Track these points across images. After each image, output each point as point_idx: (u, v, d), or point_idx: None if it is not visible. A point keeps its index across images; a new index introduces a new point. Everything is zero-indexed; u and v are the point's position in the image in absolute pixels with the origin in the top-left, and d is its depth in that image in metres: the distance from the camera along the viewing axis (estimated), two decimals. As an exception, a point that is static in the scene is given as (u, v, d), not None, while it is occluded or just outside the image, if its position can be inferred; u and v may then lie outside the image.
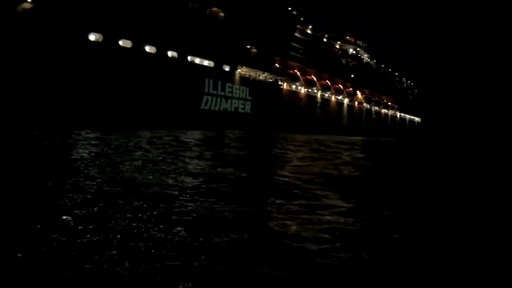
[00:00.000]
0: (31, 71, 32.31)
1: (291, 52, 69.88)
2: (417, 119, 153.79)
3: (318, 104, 79.49)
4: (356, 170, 19.89)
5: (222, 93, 51.43)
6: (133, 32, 39.66)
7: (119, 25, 38.39)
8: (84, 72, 35.40)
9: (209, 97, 49.52)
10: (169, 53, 44.27)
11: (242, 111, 55.18)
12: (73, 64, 34.73)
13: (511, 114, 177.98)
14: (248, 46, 56.90)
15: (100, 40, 37.37)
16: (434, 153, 50.01)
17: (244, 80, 55.75)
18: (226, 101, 52.21)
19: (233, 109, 53.41)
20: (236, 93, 53.99)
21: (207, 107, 49.17)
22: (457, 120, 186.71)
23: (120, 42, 39.19)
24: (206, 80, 48.87)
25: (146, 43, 41.46)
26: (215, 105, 50.41)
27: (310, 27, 76.94)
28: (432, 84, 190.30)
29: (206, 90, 48.99)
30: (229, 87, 52.68)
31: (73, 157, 15.69)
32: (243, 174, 14.80)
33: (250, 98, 56.40)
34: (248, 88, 56.00)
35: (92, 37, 37.00)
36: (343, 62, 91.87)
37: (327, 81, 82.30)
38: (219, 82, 50.81)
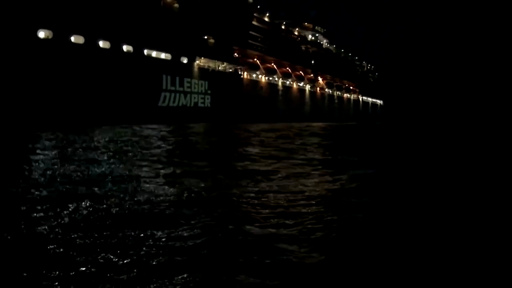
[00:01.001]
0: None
1: (249, 41, 69.46)
2: (379, 101, 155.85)
3: (280, 92, 79.49)
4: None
5: (181, 89, 50.74)
6: (85, 27, 38.58)
7: (70, 20, 37.28)
8: (34, 71, 34.27)
9: (167, 94, 48.78)
10: (124, 47, 43.32)
11: (202, 105, 54.56)
12: (22, 63, 33.58)
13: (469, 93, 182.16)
14: (206, 37, 56.18)
15: (50, 37, 36.22)
16: (393, 135, 50.61)
17: (203, 71, 55.14)
18: (185, 97, 51.50)
19: (192, 104, 52.74)
20: (195, 87, 53.32)
21: (165, 104, 48.44)
22: (418, 101, 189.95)
23: (72, 38, 38.09)
24: (164, 76, 48.05)
25: (100, 38, 40.45)
26: (174, 102, 49.67)
27: (268, 14, 76.65)
28: (392, 66, 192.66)
29: (164, 87, 48.22)
30: (188, 82, 51.96)
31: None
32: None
33: (209, 91, 55.81)
34: (207, 82, 55.36)
35: (41, 34, 35.82)
36: (303, 48, 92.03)
37: (287, 68, 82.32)
38: (177, 78, 50.06)
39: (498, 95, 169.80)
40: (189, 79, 52.13)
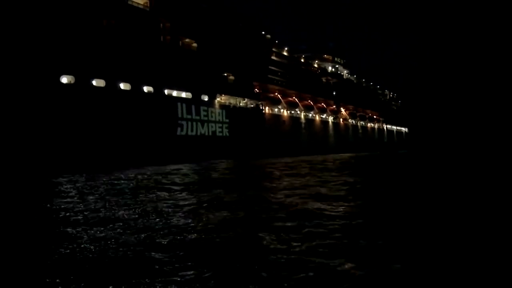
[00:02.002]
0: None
1: (269, 76, 69.79)
2: (404, 129, 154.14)
3: (303, 125, 79.19)
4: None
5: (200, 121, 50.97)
6: (106, 71, 39.22)
7: (91, 65, 37.96)
8: (58, 116, 34.78)
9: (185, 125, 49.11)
10: (145, 89, 43.80)
11: (223, 136, 54.46)
12: (46, 107, 34.13)
13: (497, 117, 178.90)
14: (225, 74, 56.64)
15: (72, 82, 36.85)
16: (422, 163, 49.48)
17: (224, 108, 55.32)
18: (206, 129, 51.68)
19: (214, 140, 52.78)
20: (217, 122, 53.51)
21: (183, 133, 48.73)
22: (444, 126, 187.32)
23: (94, 82, 38.71)
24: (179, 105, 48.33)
25: (120, 80, 41.01)
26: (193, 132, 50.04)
27: (286, 48, 77.17)
28: (415, 93, 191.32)
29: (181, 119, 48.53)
30: (210, 111, 52.31)
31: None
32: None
33: (231, 127, 55.82)
34: (228, 119, 55.45)
35: (64, 79, 36.49)
36: (323, 80, 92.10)
37: (309, 101, 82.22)
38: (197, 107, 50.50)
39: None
40: (210, 109, 52.34)
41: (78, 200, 15.51)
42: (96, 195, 16.85)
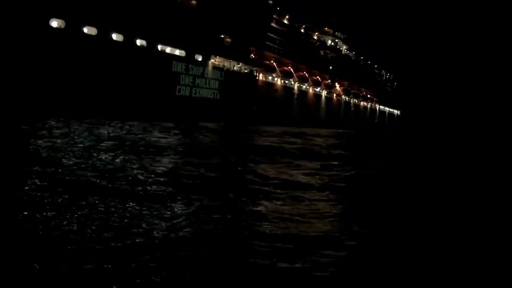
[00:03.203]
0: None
1: (267, 43, 68.47)
2: (396, 111, 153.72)
3: (295, 96, 78.31)
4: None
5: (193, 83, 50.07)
6: (98, 19, 37.91)
7: (83, 11, 36.64)
8: (47, 61, 33.70)
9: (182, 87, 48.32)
10: (138, 42, 42.59)
11: (213, 98, 53.62)
12: (34, 52, 33.00)
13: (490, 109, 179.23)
14: (222, 36, 55.29)
15: (62, 26, 35.61)
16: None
17: (217, 70, 54.28)
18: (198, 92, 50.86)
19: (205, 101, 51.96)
20: (209, 84, 52.58)
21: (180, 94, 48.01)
22: (436, 112, 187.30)
23: (85, 29, 37.48)
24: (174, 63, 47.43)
25: (113, 30, 39.75)
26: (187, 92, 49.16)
27: (287, 17, 75.60)
28: (411, 77, 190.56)
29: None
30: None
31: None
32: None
33: (223, 90, 54.85)
34: (218, 82, 54.47)
35: (54, 23, 35.23)
36: (321, 53, 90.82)
37: (304, 72, 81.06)
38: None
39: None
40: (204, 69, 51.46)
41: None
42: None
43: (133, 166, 13.22)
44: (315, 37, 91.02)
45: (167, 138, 24.80)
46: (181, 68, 48.10)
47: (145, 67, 42.62)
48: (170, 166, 14.15)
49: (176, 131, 30.97)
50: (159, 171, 12.72)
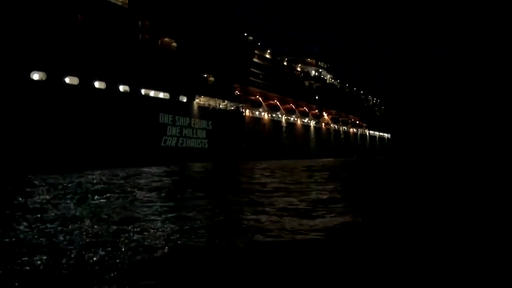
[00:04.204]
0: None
1: (251, 78, 69.07)
2: (386, 135, 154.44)
3: (284, 129, 78.53)
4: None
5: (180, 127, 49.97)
6: (79, 68, 38.05)
7: (64, 62, 36.78)
8: (29, 113, 33.56)
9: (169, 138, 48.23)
10: (121, 88, 42.69)
11: (201, 144, 53.39)
12: (15, 105, 32.89)
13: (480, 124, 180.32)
14: (205, 75, 55.66)
15: (43, 78, 35.66)
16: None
17: (203, 110, 54.36)
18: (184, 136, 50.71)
19: (192, 143, 51.77)
20: (194, 125, 52.50)
21: (166, 144, 47.78)
22: (426, 133, 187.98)
23: (66, 80, 37.56)
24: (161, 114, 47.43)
25: (95, 78, 39.88)
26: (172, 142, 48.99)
27: (269, 51, 76.56)
28: (399, 99, 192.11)
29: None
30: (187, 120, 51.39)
31: None
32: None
33: (210, 129, 54.82)
34: (207, 121, 54.47)
35: (35, 76, 35.28)
36: (306, 84, 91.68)
37: (291, 104, 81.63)
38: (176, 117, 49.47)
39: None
40: (188, 118, 51.30)
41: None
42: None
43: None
44: (299, 69, 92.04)
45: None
46: (168, 120, 48.12)
47: (130, 116, 42.62)
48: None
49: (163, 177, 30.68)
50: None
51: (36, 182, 21.81)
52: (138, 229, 10.31)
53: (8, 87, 32.63)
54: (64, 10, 37.13)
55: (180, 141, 49.75)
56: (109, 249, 8.39)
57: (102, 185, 21.19)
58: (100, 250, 8.23)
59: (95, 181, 23.48)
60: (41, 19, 35.01)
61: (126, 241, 9.16)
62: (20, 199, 15.45)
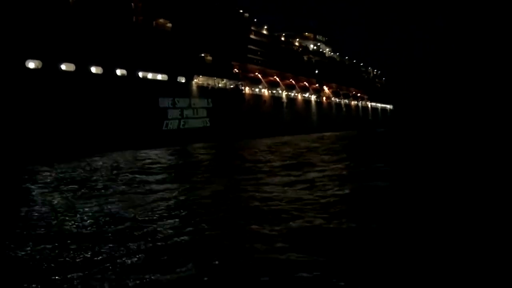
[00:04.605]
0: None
1: (249, 55, 68.49)
2: (389, 106, 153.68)
3: (284, 105, 78.16)
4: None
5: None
6: (75, 54, 37.73)
7: (58, 48, 36.47)
8: (26, 102, 33.39)
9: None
10: (118, 72, 42.40)
11: (202, 124, 53.21)
12: (12, 94, 32.73)
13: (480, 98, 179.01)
14: (203, 54, 55.26)
15: (39, 66, 35.41)
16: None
17: (202, 89, 54.08)
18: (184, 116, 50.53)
19: (192, 123, 51.63)
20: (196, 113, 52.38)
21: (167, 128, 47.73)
22: (428, 102, 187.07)
23: (62, 67, 37.31)
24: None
25: (91, 64, 39.59)
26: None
27: (266, 27, 75.77)
28: (399, 70, 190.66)
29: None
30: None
31: None
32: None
33: (210, 106, 54.60)
34: (206, 99, 54.24)
35: (31, 64, 35.04)
36: (305, 58, 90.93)
37: (291, 80, 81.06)
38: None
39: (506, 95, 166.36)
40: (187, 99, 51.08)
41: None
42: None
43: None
44: (297, 44, 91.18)
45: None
46: (168, 103, 47.90)
47: (129, 100, 42.43)
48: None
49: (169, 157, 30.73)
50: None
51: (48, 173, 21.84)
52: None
53: (4, 77, 32.44)
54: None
55: (182, 123, 49.61)
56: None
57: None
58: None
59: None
60: (33, 5, 34.62)
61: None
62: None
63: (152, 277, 6.44)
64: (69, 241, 8.39)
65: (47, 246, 8.05)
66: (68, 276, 6.54)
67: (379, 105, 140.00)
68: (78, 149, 33.82)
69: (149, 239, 8.43)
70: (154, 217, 10.33)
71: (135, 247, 7.89)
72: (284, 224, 9.33)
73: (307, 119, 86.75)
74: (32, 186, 16.45)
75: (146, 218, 10.25)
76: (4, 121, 32.03)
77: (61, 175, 19.85)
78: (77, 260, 7.29)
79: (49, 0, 36.06)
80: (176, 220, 10.11)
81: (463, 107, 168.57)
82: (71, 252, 7.71)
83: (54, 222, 10.23)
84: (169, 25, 49.73)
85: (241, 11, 66.68)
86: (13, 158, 28.99)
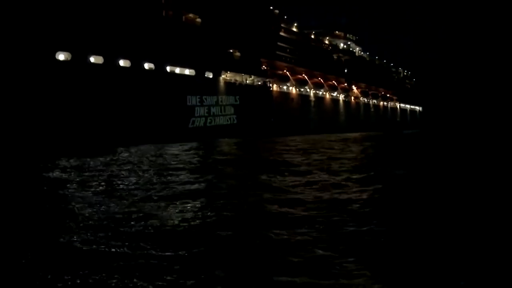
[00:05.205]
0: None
1: (278, 52, 67.92)
2: (418, 108, 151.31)
3: (312, 103, 77.35)
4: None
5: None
6: (103, 47, 37.78)
7: (88, 41, 36.54)
8: (55, 94, 33.54)
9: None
10: (146, 65, 42.33)
11: (229, 120, 52.87)
12: (42, 85, 32.88)
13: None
14: (231, 50, 54.89)
15: (69, 58, 35.55)
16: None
17: (229, 86, 53.74)
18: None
19: (220, 120, 51.33)
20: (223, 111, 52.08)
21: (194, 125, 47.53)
22: (460, 106, 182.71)
23: (91, 59, 37.39)
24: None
25: (119, 57, 39.59)
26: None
27: (296, 24, 75.03)
28: (430, 71, 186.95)
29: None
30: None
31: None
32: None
33: (238, 103, 54.21)
34: (234, 96, 53.85)
35: (60, 56, 35.20)
36: (335, 57, 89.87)
37: (319, 78, 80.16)
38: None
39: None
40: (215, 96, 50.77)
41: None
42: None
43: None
44: (327, 42, 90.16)
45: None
46: (195, 101, 47.67)
47: (156, 93, 42.33)
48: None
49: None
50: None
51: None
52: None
53: (34, 68, 32.61)
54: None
55: (209, 121, 49.34)
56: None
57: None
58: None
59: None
60: (64, -1, 34.75)
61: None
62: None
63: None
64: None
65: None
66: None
67: (408, 106, 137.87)
68: (102, 141, 33.78)
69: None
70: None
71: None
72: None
73: (334, 118, 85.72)
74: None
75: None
76: (33, 112, 32.21)
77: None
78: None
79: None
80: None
81: (495, 109, 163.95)
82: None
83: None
84: (199, 20, 49.48)
85: (271, 7, 66.12)
86: (39, 148, 29.03)
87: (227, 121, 52.38)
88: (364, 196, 12.92)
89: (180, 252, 7.22)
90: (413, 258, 7.29)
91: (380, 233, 8.76)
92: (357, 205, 11.49)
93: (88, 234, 8.37)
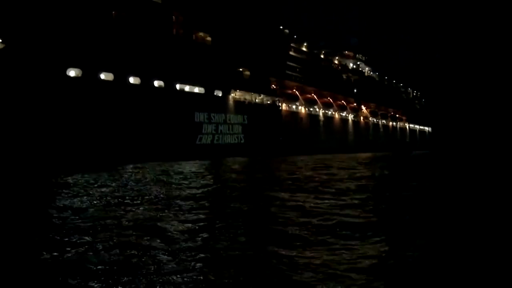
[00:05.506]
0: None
1: (287, 72, 68.07)
2: (427, 128, 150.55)
3: (321, 123, 77.20)
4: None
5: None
6: (114, 64, 38.02)
7: (99, 58, 36.81)
8: (64, 110, 33.67)
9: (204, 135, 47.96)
10: (155, 83, 42.51)
11: (237, 139, 52.86)
12: (52, 101, 33.03)
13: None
14: (241, 69, 55.11)
15: (79, 75, 35.76)
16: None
17: (238, 104, 53.78)
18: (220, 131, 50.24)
19: (228, 139, 51.32)
20: (231, 129, 52.14)
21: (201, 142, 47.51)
22: (470, 126, 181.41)
23: (102, 76, 37.61)
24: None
25: (129, 74, 39.79)
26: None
27: (305, 44, 75.28)
28: (439, 92, 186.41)
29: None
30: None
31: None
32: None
33: (246, 122, 54.19)
34: (243, 115, 53.88)
35: (71, 73, 35.42)
36: (344, 77, 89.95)
37: (328, 98, 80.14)
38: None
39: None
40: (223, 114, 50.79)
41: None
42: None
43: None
44: (336, 62, 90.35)
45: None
46: (203, 118, 47.73)
47: (165, 111, 42.44)
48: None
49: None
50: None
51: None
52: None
53: (45, 84, 32.80)
54: (98, 7, 37.23)
55: (216, 138, 49.31)
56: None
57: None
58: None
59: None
60: (76, 16, 35.12)
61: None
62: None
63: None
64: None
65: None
66: None
67: (417, 126, 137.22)
68: (108, 158, 33.74)
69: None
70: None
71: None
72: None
73: (343, 138, 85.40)
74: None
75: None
76: (42, 126, 32.32)
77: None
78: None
79: (92, 12, 36.48)
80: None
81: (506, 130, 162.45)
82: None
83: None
84: (209, 38, 49.81)
85: (281, 27, 66.46)
86: (46, 164, 28.99)
87: (235, 140, 52.32)
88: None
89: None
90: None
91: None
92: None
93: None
